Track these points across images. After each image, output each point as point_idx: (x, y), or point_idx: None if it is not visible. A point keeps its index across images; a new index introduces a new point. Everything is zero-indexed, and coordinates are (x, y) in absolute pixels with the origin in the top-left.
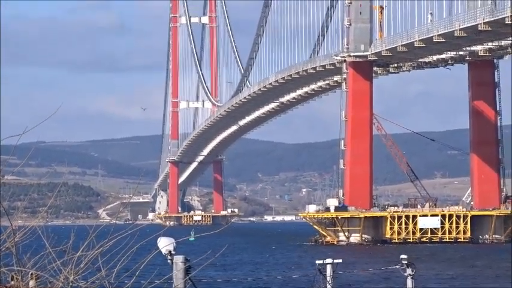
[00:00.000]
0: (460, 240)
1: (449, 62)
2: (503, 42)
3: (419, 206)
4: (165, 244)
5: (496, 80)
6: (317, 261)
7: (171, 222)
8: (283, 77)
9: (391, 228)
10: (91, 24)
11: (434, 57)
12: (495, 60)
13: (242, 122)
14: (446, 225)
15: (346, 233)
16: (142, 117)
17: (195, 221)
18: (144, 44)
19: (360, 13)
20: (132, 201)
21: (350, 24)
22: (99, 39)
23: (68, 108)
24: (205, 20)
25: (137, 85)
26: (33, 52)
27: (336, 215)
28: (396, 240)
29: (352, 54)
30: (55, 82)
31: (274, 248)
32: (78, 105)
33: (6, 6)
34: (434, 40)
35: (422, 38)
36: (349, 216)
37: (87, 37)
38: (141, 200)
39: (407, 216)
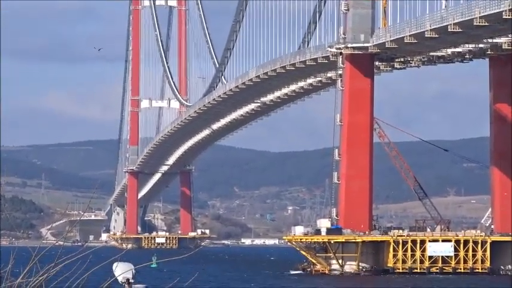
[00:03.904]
0: (477, 270)
1: (467, 56)
2: None
3: (428, 230)
4: (122, 271)
5: None
6: None
7: (129, 245)
8: (266, 72)
9: (394, 256)
10: (44, 6)
11: (449, 51)
12: None
13: (216, 126)
14: (461, 253)
15: (340, 261)
16: (96, 117)
17: (158, 244)
18: (104, 30)
19: None
20: (82, 219)
21: (348, 10)
22: (51, 24)
23: (7, 105)
24: (172, 2)
25: (91, 79)
26: None
27: (328, 239)
28: (400, 270)
29: (349, 45)
30: None
31: (246, 276)
32: (19, 102)
33: None
34: (449, 30)
35: (435, 27)
36: (343, 240)
37: (38, 21)
38: (93, 217)
39: (414, 242)
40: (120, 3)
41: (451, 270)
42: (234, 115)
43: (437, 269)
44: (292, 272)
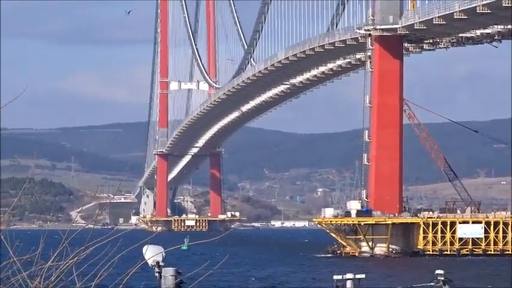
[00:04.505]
0: (507, 252)
1: (496, 37)
2: None
3: (458, 211)
4: (152, 254)
5: None
6: (335, 277)
7: (159, 228)
8: (295, 54)
9: (424, 238)
10: None
11: (478, 32)
12: None
13: (245, 108)
14: (491, 235)
15: (370, 243)
16: (125, 100)
17: (188, 226)
18: (132, 13)
19: None
20: (112, 201)
21: None
22: (79, 6)
23: (37, 88)
24: None
25: (120, 61)
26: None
27: (358, 221)
28: (430, 252)
29: (378, 27)
30: (23, 56)
31: (279, 258)
32: (49, 84)
33: None
34: (477, 11)
35: (464, 8)
36: (373, 222)
37: (68, 4)
38: (122, 200)
39: (444, 223)
40: None
41: (481, 252)
42: (263, 97)
43: (467, 251)
44: (321, 255)
